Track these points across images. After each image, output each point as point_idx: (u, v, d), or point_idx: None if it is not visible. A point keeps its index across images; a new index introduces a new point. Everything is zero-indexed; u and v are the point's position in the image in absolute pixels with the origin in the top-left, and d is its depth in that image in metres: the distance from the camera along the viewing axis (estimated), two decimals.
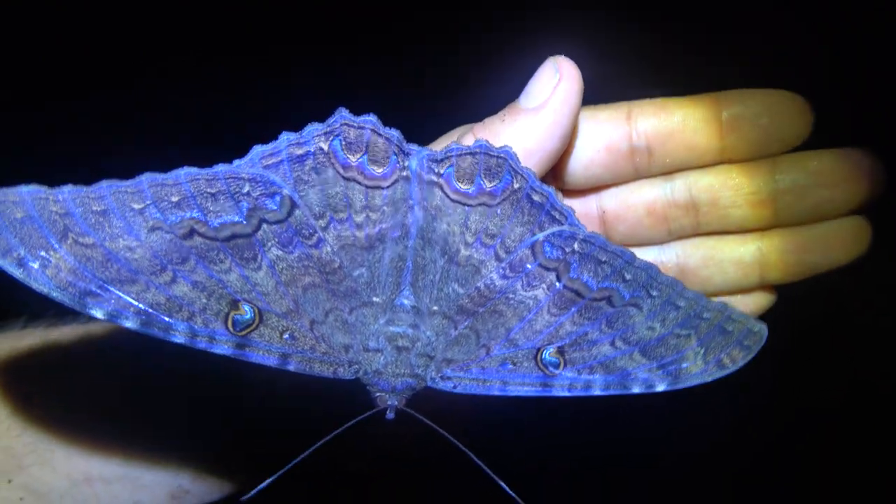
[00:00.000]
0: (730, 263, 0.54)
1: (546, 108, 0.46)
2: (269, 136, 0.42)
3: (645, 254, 0.57)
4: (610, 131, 0.52)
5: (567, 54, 0.47)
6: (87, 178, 0.37)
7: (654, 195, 0.54)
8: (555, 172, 0.52)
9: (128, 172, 0.38)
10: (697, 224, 0.54)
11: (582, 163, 0.52)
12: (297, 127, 0.42)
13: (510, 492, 0.41)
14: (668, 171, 0.54)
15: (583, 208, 0.56)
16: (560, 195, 0.54)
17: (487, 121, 0.48)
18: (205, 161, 0.40)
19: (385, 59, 0.92)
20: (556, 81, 0.45)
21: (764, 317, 0.53)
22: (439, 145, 0.53)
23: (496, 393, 0.43)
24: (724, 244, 0.55)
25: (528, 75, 0.48)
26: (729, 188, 0.53)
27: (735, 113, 0.51)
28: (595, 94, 0.52)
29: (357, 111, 0.43)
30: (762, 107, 0.51)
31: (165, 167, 0.39)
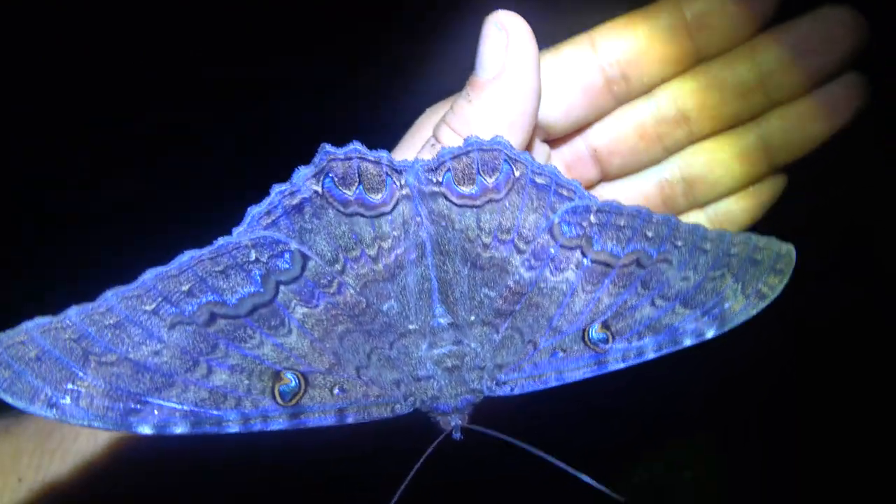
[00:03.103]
0: (734, 160, 0.54)
1: (507, 72, 0.43)
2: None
3: (646, 176, 0.56)
4: (580, 69, 0.50)
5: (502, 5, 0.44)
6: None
7: (641, 118, 0.53)
8: (535, 127, 0.51)
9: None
10: (691, 133, 0.53)
11: (561, 110, 0.50)
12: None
13: (589, 480, 0.41)
14: (648, 90, 0.52)
15: (572, 153, 0.55)
16: (545, 151, 0.53)
17: (455, 106, 0.46)
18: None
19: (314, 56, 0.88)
20: (505, 40, 0.43)
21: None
22: (410, 143, 0.51)
23: (553, 384, 0.42)
24: (723, 143, 0.54)
25: (466, 36, 0.45)
26: (714, 87, 0.51)
27: (699, 9, 0.49)
28: (547, 34, 0.50)
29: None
30: None
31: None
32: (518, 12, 0.44)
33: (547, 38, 0.51)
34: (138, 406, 0.33)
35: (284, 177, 0.40)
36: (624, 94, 0.52)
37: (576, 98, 0.50)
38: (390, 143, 0.51)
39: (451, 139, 0.45)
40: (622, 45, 0.50)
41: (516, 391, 0.42)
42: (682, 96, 0.52)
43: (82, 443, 0.51)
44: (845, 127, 0.52)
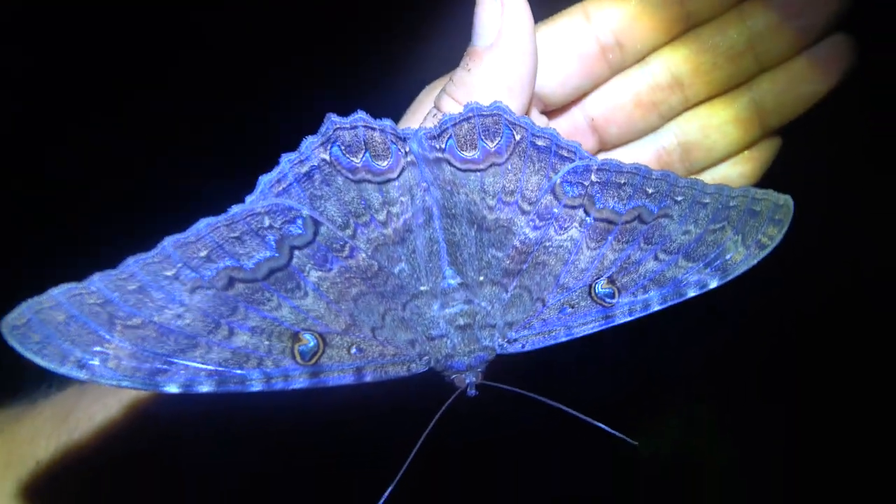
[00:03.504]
0: (728, 124, 0.55)
1: (503, 39, 0.45)
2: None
3: (644, 144, 0.57)
4: (575, 39, 0.51)
5: None
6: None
7: (636, 85, 0.54)
8: (534, 97, 0.52)
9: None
10: (685, 98, 0.55)
11: (558, 79, 0.52)
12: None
13: (612, 431, 0.42)
14: (642, 57, 0.54)
15: (570, 124, 0.56)
16: (543, 122, 0.55)
17: (456, 77, 0.47)
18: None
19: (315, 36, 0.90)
20: (499, 7, 0.44)
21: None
22: (414, 116, 0.52)
23: (563, 339, 0.43)
24: (717, 108, 0.55)
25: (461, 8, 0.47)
26: (705, 52, 0.53)
27: None
28: (542, 7, 0.51)
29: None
30: None
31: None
32: None
33: (541, 12, 0.52)
34: (165, 366, 0.34)
35: (292, 148, 0.41)
36: (619, 61, 0.53)
37: (572, 67, 0.52)
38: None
39: (453, 108, 0.46)
40: (615, 12, 0.51)
41: (527, 348, 0.43)
42: (675, 62, 0.54)
43: (98, 423, 0.52)
44: (835, 87, 0.54)
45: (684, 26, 0.53)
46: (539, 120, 0.54)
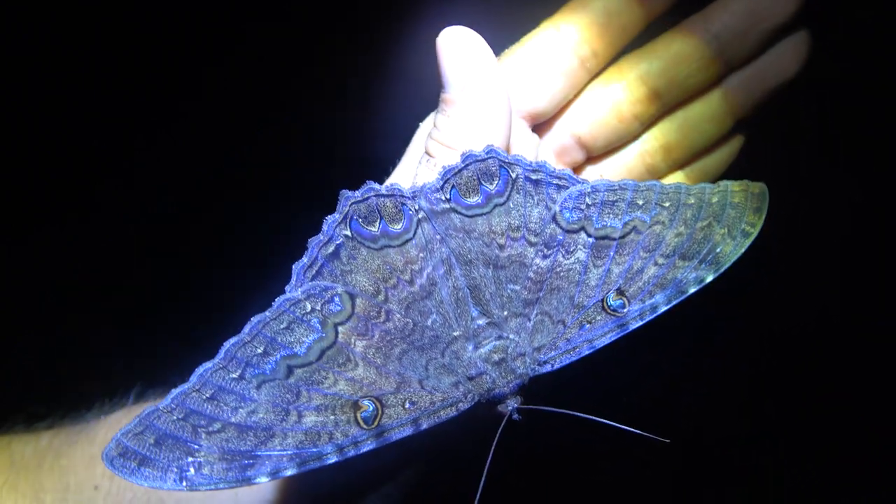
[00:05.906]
0: (704, 121, 0.60)
1: (472, 84, 0.48)
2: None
3: (628, 150, 0.62)
4: (554, 56, 0.54)
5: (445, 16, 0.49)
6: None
7: (616, 100, 0.58)
8: (524, 115, 0.56)
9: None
10: (663, 105, 0.59)
11: (546, 97, 0.55)
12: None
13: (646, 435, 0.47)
14: (614, 59, 0.58)
15: (559, 142, 0.60)
16: (535, 140, 0.58)
17: (437, 122, 0.50)
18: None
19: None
20: (458, 56, 0.47)
21: None
22: (408, 161, 0.55)
23: (587, 353, 0.48)
24: (693, 109, 0.60)
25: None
26: (679, 64, 0.57)
27: None
28: (507, 27, 0.54)
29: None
30: None
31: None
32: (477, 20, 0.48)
33: (511, 31, 0.55)
34: (251, 461, 0.38)
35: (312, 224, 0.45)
36: (595, 67, 0.57)
37: (557, 83, 0.55)
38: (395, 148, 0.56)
39: (441, 153, 0.50)
40: (584, 22, 0.54)
41: (557, 367, 0.48)
42: (651, 77, 0.57)
43: None
44: (796, 78, 0.59)
45: (645, 24, 0.57)
46: (530, 138, 0.58)
